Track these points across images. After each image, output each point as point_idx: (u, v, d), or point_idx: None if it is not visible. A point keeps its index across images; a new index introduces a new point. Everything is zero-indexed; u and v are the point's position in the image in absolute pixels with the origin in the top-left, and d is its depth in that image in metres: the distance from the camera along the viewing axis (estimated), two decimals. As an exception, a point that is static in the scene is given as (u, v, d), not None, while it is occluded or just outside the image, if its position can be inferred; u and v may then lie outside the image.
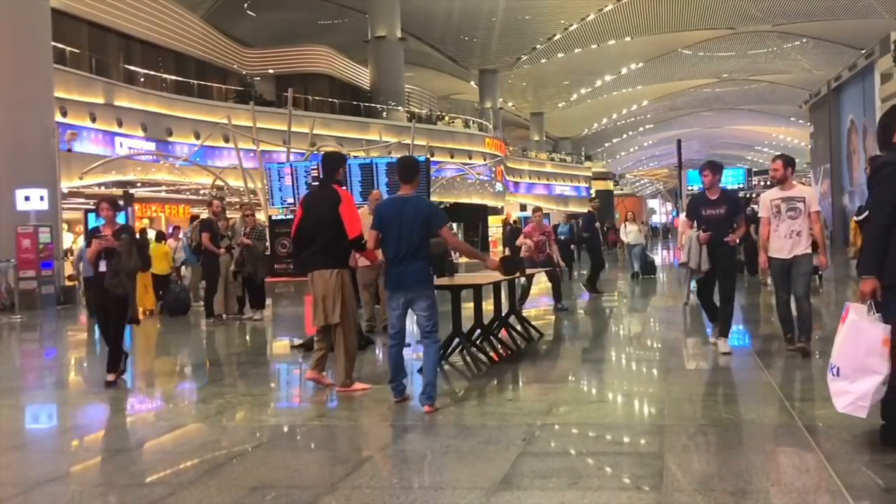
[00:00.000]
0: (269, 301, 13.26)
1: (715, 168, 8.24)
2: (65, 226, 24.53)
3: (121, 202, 8.17)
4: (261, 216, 24.64)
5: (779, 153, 8.32)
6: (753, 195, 32.99)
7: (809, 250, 7.85)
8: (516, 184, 55.63)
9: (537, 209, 15.13)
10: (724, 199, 8.22)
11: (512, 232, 25.74)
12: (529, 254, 12.80)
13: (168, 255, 16.07)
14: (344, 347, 6.90)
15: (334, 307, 6.80)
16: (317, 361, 7.15)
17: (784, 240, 7.73)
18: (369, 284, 10.63)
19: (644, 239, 20.68)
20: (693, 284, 8.57)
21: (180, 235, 18.48)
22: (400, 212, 6.26)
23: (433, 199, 28.10)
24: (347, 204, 6.88)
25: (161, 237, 16.89)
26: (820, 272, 16.40)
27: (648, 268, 20.49)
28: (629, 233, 20.70)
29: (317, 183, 7.10)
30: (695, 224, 8.22)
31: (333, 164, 7.21)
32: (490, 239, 40.82)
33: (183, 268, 17.22)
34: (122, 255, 7.77)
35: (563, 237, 18.92)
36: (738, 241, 8.22)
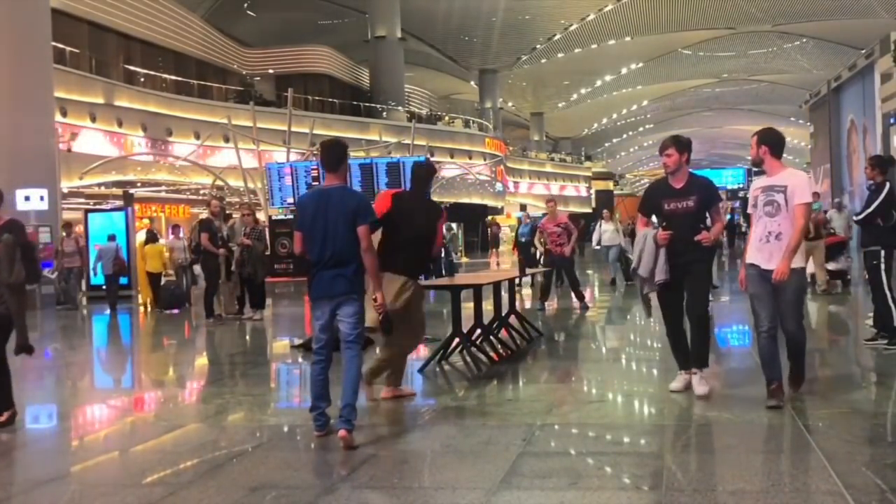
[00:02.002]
0: (269, 301, 13.24)
1: (681, 145, 6.15)
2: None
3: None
4: (261, 216, 24.66)
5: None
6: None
7: (801, 263, 5.87)
8: (516, 183, 55.63)
9: (550, 200, 14.42)
10: (693, 188, 6.11)
11: (493, 235, 25.33)
12: (548, 248, 12.06)
13: (161, 253, 16.95)
14: (402, 351, 6.73)
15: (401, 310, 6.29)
16: (388, 377, 6.63)
17: (760, 245, 5.73)
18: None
19: (623, 240, 18.02)
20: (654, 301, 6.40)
21: (181, 235, 18.50)
22: (325, 206, 5.32)
23: (433, 198, 28.05)
24: (444, 220, 6.92)
25: (153, 238, 17.51)
26: (847, 275, 14.78)
27: (631, 273, 18.57)
28: (604, 232, 18.15)
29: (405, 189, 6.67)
30: (655, 222, 6.38)
31: (428, 173, 6.85)
32: (502, 240, 40.29)
33: (196, 266, 17.11)
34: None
35: (523, 239, 17.90)
36: (713, 240, 6.15)
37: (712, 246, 6.24)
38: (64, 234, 17.40)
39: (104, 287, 17.26)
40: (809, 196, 5.77)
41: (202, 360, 10.20)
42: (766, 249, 5.69)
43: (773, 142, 5.81)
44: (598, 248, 19.03)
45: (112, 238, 17.35)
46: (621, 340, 10.70)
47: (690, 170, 6.31)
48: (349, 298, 5.28)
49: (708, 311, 6.45)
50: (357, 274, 5.32)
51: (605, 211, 20.51)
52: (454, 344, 8.16)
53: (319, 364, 5.45)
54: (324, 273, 5.27)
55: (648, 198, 6.41)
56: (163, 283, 17.01)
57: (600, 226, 18.64)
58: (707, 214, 6.29)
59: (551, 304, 13.82)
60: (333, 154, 5.50)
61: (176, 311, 15.82)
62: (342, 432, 5.04)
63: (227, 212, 17.27)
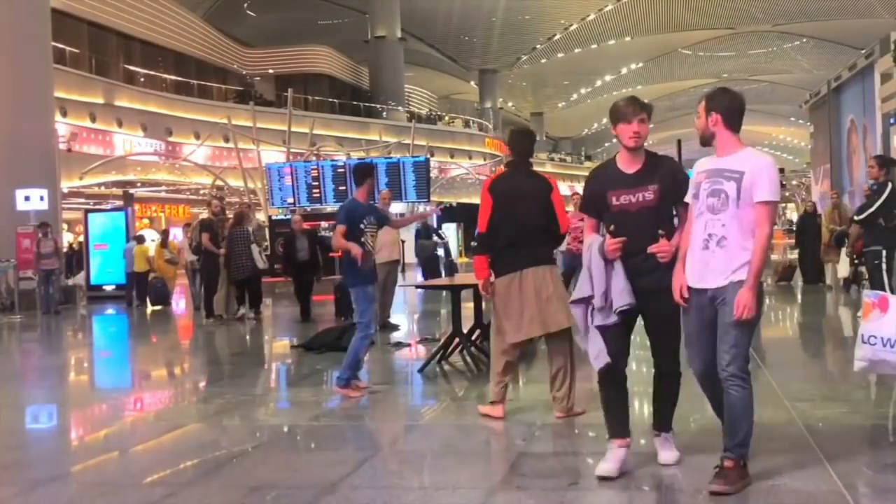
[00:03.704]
0: (268, 301, 13.25)
1: (639, 107, 4.37)
2: (65, 226, 24.54)
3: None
4: (261, 216, 24.66)
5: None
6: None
7: (743, 276, 3.92)
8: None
9: (577, 193, 13.55)
10: (653, 172, 4.32)
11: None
12: (571, 247, 11.63)
13: (146, 254, 17.97)
14: (571, 360, 5.64)
15: (556, 311, 5.50)
16: (501, 393, 5.72)
17: (696, 253, 4.05)
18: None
19: None
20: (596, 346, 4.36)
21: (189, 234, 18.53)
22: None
23: (433, 198, 28.11)
24: (557, 192, 5.71)
25: (141, 240, 18.51)
26: (862, 279, 12.06)
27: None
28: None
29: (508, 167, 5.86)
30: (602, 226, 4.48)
31: (530, 141, 5.97)
32: None
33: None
34: None
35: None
36: (673, 252, 4.18)
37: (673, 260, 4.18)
38: (40, 234, 17.01)
39: (123, 286, 18.55)
40: (775, 190, 3.97)
41: (202, 360, 10.20)
42: (699, 260, 4.01)
43: (727, 108, 4.09)
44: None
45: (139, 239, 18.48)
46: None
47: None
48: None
49: (679, 364, 4.45)
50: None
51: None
52: (454, 344, 8.15)
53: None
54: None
55: (591, 189, 4.50)
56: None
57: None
58: (674, 212, 4.36)
59: None
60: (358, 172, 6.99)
61: (160, 307, 17.05)
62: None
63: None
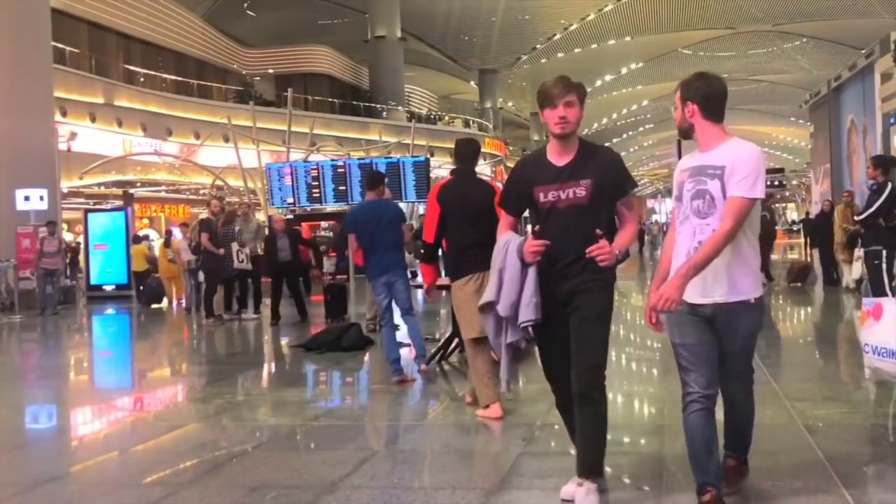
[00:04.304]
0: (267, 301, 13.25)
1: (566, 87, 3.75)
2: (65, 226, 24.54)
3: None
4: (261, 216, 24.64)
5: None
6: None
7: (755, 294, 3.56)
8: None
9: None
10: (586, 165, 3.77)
11: None
12: None
13: (144, 253, 18.55)
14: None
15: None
16: (492, 394, 5.79)
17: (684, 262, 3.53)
18: None
19: None
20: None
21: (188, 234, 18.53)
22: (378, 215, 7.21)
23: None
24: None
25: (137, 240, 19.29)
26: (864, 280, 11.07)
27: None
28: None
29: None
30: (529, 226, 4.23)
31: (474, 149, 6.29)
32: None
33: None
34: None
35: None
36: (618, 257, 3.69)
37: (614, 265, 3.71)
38: (47, 232, 16.81)
39: (124, 286, 19.24)
40: (752, 185, 3.41)
41: (202, 360, 10.20)
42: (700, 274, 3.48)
43: (704, 96, 3.54)
44: None
45: (146, 238, 19.24)
46: (621, 340, 10.69)
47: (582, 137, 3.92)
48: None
49: (604, 381, 3.80)
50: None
51: None
52: (454, 344, 8.15)
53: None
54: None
55: (513, 182, 3.97)
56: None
57: None
58: (614, 212, 3.86)
59: None
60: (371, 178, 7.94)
61: (155, 305, 17.46)
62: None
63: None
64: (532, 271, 3.69)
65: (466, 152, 6.07)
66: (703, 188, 3.50)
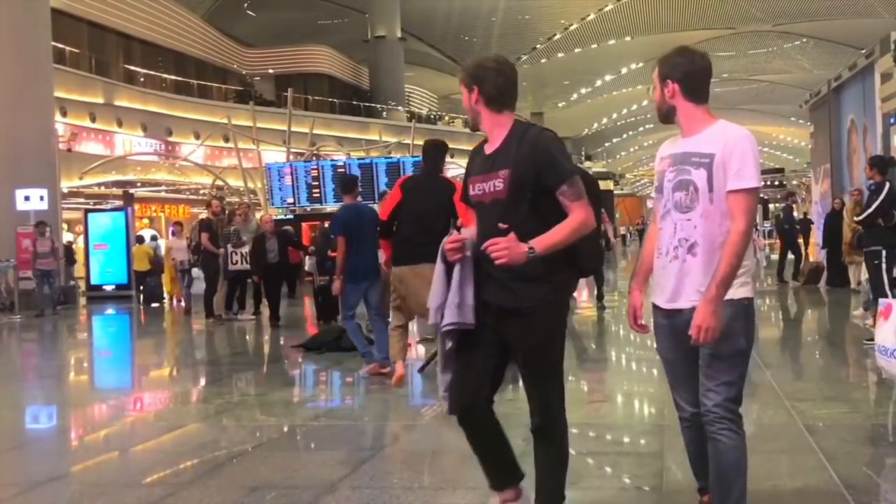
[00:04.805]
0: (266, 301, 13.25)
1: (478, 73, 3.36)
2: (65, 226, 24.53)
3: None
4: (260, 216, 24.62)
5: None
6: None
7: (737, 295, 3.07)
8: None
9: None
10: (508, 153, 3.26)
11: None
12: None
13: (147, 254, 18.63)
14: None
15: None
16: (401, 353, 7.04)
17: (664, 262, 3.16)
18: None
19: None
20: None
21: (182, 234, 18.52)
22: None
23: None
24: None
25: (141, 240, 19.73)
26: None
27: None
28: None
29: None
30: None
31: (441, 151, 6.94)
32: None
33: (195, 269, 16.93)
34: None
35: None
36: (528, 255, 3.08)
37: (555, 274, 3.17)
38: (37, 233, 16.76)
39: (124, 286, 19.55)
40: (753, 174, 3.00)
41: (202, 361, 10.20)
42: (671, 273, 3.09)
43: (685, 73, 3.11)
44: None
45: (154, 238, 19.63)
46: (621, 340, 10.69)
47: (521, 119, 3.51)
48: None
49: (560, 415, 3.36)
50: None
51: None
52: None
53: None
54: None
55: (465, 173, 3.52)
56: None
57: None
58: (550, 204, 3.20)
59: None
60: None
61: (155, 304, 17.85)
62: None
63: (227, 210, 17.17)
64: (458, 271, 3.25)
65: (432, 153, 6.79)
66: (687, 178, 3.06)
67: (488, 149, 3.35)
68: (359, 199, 8.14)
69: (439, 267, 3.32)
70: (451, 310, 3.23)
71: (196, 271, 15.21)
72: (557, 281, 3.22)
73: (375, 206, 9.30)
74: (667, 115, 3.18)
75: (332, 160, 24.38)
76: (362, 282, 7.46)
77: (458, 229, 3.41)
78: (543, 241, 3.09)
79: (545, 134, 3.29)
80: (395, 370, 6.87)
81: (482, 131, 3.38)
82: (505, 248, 3.04)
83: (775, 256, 21.18)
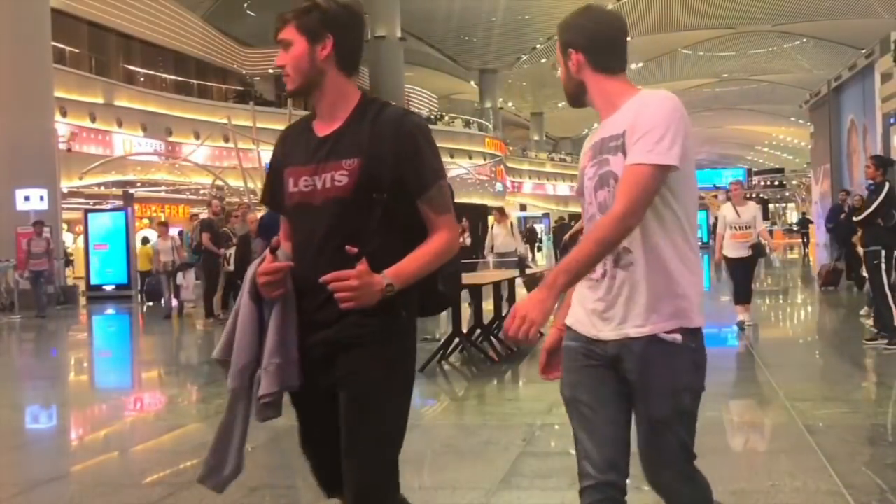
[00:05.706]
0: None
1: (283, 20, 2.29)
2: (65, 226, 24.54)
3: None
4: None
5: None
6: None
7: (670, 326, 2.21)
8: (516, 183, 55.74)
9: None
10: (357, 135, 2.25)
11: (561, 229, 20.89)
12: None
13: (149, 255, 18.55)
14: None
15: None
16: None
17: (587, 281, 2.29)
18: None
19: (524, 246, 14.40)
20: None
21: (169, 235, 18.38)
22: None
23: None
24: None
25: (146, 241, 19.89)
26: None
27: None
28: (496, 237, 13.86)
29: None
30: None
31: None
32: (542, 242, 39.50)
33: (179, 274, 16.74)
34: None
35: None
36: (386, 291, 2.17)
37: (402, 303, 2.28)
38: (34, 233, 16.65)
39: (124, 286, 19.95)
40: (666, 143, 2.15)
41: (201, 360, 10.20)
42: (599, 292, 2.29)
43: (590, 39, 2.34)
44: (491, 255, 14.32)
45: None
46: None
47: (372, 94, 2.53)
48: None
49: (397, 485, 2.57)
50: None
51: (495, 211, 15.68)
52: (454, 344, 8.16)
53: None
54: None
55: (272, 163, 2.51)
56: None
57: (491, 230, 14.60)
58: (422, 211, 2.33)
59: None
60: None
61: (151, 303, 18.15)
62: None
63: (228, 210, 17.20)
64: (277, 314, 2.28)
65: None
66: (606, 170, 2.26)
67: (321, 130, 2.33)
68: None
69: (246, 308, 2.30)
70: (271, 374, 2.34)
71: (180, 277, 15.15)
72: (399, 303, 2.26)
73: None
74: (576, 96, 2.40)
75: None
76: None
77: (274, 251, 2.28)
78: (402, 273, 2.21)
79: (411, 118, 2.34)
80: None
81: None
82: (356, 288, 2.13)
83: (793, 255, 20.97)
